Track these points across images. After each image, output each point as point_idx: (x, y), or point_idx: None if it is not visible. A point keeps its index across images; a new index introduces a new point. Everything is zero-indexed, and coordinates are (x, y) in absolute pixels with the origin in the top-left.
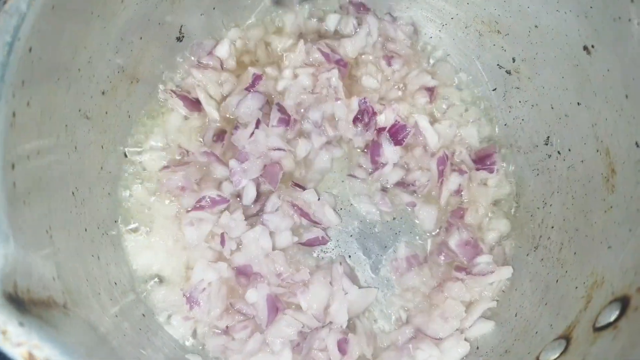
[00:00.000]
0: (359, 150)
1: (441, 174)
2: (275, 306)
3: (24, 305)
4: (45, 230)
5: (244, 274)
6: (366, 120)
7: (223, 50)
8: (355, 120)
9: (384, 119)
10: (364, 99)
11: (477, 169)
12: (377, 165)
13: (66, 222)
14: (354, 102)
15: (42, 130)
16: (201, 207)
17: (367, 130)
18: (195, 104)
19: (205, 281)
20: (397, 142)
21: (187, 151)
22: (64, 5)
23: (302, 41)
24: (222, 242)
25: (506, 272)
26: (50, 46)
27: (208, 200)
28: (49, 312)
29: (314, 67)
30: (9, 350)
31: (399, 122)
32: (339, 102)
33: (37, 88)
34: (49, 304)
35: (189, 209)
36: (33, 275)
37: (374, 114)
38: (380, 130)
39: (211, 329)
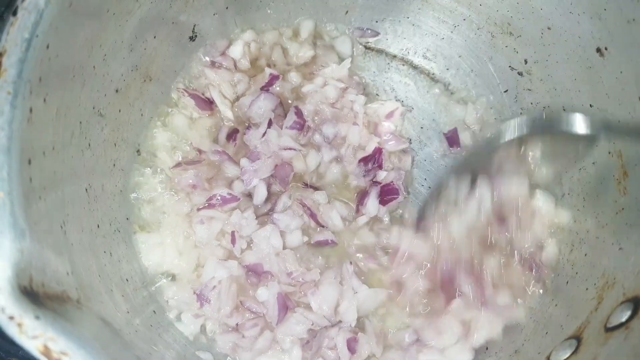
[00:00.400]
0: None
1: None
2: (285, 304)
3: (39, 299)
4: (60, 225)
5: (254, 272)
6: (369, 167)
7: (236, 51)
8: (362, 160)
9: (384, 175)
10: (381, 149)
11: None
12: (358, 211)
13: (80, 218)
14: (371, 144)
15: (58, 126)
16: (212, 205)
17: (364, 176)
18: (206, 104)
19: (215, 279)
20: (383, 201)
21: (200, 150)
22: (81, 2)
23: (349, 60)
24: (233, 241)
25: (519, 314)
26: (66, 43)
27: (219, 198)
28: (63, 306)
29: (344, 83)
30: (25, 343)
31: (393, 184)
32: (355, 127)
33: (53, 85)
34: (64, 298)
35: (200, 207)
36: (47, 270)
37: (380, 166)
38: (374, 183)
39: (221, 327)
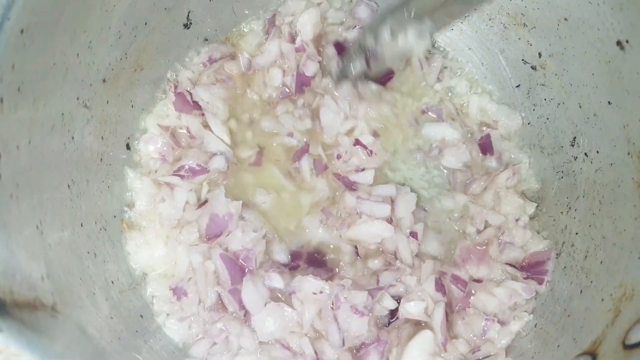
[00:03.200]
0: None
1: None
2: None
3: (5, 308)
4: (36, 225)
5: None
6: None
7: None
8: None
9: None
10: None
11: (526, 277)
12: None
13: (60, 216)
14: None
15: (35, 118)
16: (180, 177)
17: None
18: (188, 106)
19: (190, 268)
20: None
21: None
22: None
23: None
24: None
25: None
26: (45, 28)
27: (187, 169)
28: (34, 315)
29: None
30: None
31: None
32: None
33: (29, 73)
34: (35, 306)
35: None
36: (18, 275)
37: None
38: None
39: (205, 328)
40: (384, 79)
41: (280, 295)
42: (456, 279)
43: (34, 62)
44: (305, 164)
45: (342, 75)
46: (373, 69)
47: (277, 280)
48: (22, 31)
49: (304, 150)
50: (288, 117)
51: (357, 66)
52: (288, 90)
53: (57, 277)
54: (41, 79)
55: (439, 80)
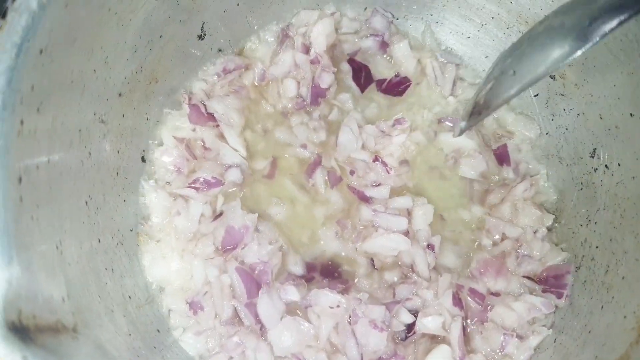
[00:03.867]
0: None
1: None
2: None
3: (28, 334)
4: (55, 245)
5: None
6: None
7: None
8: None
9: None
10: None
11: (544, 291)
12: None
13: (78, 234)
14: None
15: (54, 137)
16: (195, 189)
17: None
18: (202, 118)
19: (206, 282)
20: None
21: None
22: (79, 2)
23: None
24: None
25: None
26: (63, 47)
27: (202, 181)
28: (56, 338)
29: None
30: None
31: None
32: None
33: (48, 92)
34: (57, 329)
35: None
36: (40, 299)
37: None
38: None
39: (221, 342)
40: (401, 89)
41: (296, 309)
42: (474, 293)
43: (53, 82)
44: (319, 176)
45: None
46: None
47: (293, 293)
48: (41, 52)
49: (317, 162)
50: (302, 128)
51: None
52: (304, 102)
53: (77, 296)
54: (59, 98)
55: (452, 94)
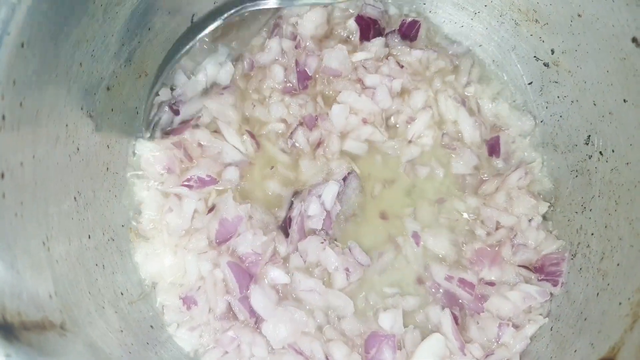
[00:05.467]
0: None
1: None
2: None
3: (12, 331)
4: (42, 241)
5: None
6: None
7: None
8: None
9: None
10: None
11: (540, 279)
12: None
13: (66, 230)
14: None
15: (39, 132)
16: (188, 187)
17: None
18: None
19: (200, 277)
20: None
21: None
22: None
23: None
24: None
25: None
26: (46, 40)
27: (196, 179)
28: (42, 335)
29: None
30: None
31: None
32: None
33: (31, 87)
34: (44, 326)
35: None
36: (25, 295)
37: None
38: None
39: (215, 337)
40: (413, 33)
41: (287, 295)
42: (463, 283)
43: (37, 76)
44: (301, 135)
45: None
46: None
47: (280, 276)
48: (22, 45)
49: (297, 127)
50: (279, 105)
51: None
52: (292, 87)
53: (65, 293)
54: (44, 92)
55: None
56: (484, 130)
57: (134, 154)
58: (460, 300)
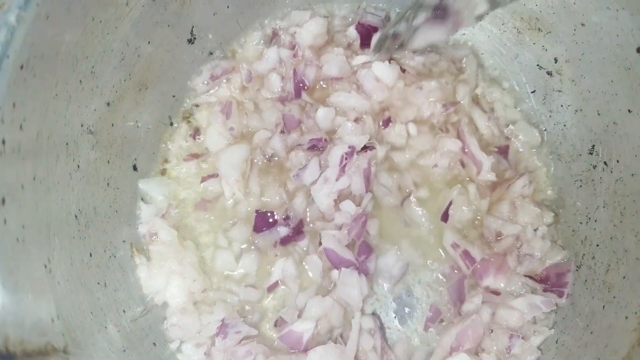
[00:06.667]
0: None
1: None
2: None
3: None
4: (44, 264)
5: None
6: None
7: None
8: None
9: None
10: None
11: (545, 290)
12: None
13: (68, 250)
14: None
15: (39, 153)
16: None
17: None
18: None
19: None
20: None
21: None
22: (60, 13)
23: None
24: None
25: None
26: (45, 60)
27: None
28: None
29: None
30: None
31: None
32: None
33: (31, 108)
34: (46, 352)
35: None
36: (28, 322)
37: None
38: None
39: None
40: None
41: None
42: (466, 255)
43: (36, 96)
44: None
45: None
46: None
47: None
48: (22, 67)
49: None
50: (271, 112)
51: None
52: (288, 96)
53: (68, 315)
54: (44, 112)
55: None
56: (495, 132)
57: (135, 168)
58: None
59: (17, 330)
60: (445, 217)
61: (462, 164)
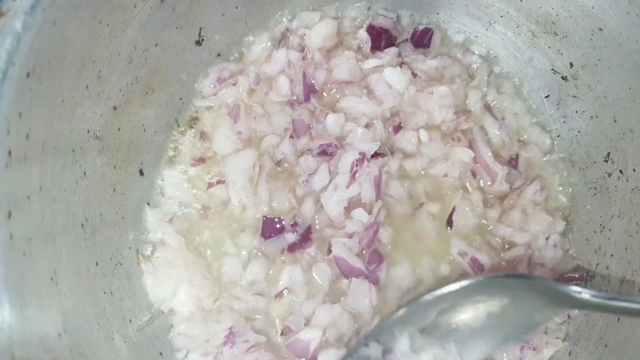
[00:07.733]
0: None
1: None
2: None
3: None
4: (50, 277)
5: None
6: None
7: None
8: None
9: None
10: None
11: None
12: None
13: (75, 260)
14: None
15: (45, 162)
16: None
17: None
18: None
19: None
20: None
21: None
22: (67, 18)
23: None
24: None
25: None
26: (52, 66)
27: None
28: None
29: None
30: None
31: None
32: None
33: (37, 117)
34: None
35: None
36: (34, 340)
37: None
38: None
39: None
40: (427, 40)
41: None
42: (474, 262)
43: (42, 104)
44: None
45: None
46: None
47: None
48: (28, 75)
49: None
50: (280, 115)
51: None
52: (296, 99)
53: (74, 329)
54: (50, 120)
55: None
56: (506, 140)
57: (142, 172)
58: None
59: (24, 349)
60: (449, 223)
61: (473, 174)
